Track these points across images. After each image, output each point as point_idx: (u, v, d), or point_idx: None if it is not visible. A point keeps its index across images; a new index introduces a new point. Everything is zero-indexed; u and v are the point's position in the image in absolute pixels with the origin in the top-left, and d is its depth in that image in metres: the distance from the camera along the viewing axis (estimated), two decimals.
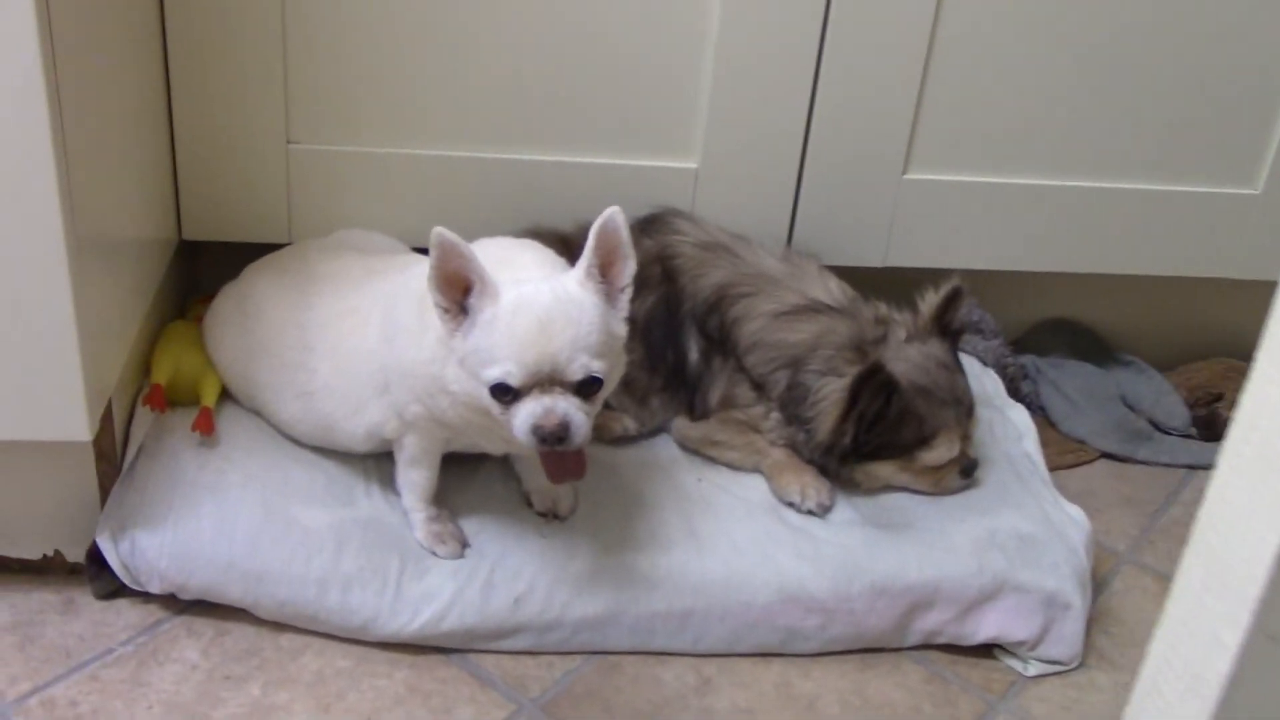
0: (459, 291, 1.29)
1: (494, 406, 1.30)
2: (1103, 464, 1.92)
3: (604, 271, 1.32)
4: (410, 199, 1.68)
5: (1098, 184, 1.81)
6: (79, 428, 1.29)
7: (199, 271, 1.81)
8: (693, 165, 1.73)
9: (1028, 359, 2.01)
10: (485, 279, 1.27)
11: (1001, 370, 1.87)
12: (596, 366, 1.29)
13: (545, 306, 1.28)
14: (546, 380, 1.27)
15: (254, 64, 1.59)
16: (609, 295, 1.33)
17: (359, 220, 1.67)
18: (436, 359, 1.34)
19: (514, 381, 1.27)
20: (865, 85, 1.69)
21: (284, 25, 1.57)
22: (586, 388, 1.29)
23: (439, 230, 1.26)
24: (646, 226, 1.68)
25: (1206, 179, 1.84)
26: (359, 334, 1.44)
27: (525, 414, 1.28)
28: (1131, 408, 1.97)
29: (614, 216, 1.29)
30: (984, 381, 1.82)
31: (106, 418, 1.42)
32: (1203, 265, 1.90)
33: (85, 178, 1.27)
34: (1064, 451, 1.90)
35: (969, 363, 1.82)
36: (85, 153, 1.27)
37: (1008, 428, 1.74)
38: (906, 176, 1.77)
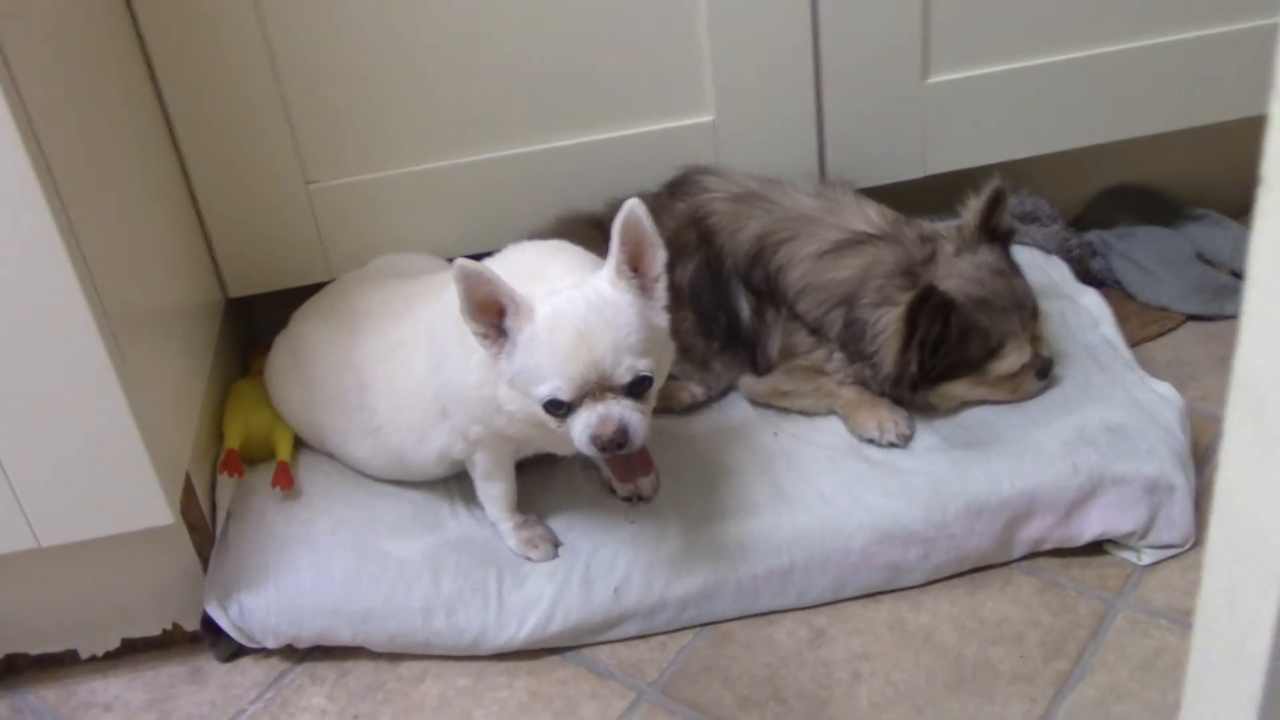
0: (493, 315, 1.28)
1: (550, 421, 1.30)
2: (1190, 327, 1.86)
3: (634, 265, 1.30)
4: (438, 212, 1.68)
5: (1126, 45, 1.73)
6: (160, 513, 1.33)
7: (254, 323, 1.83)
8: (709, 118, 1.69)
9: (1093, 235, 1.95)
10: (516, 299, 1.27)
11: (1067, 254, 1.82)
12: (643, 365, 1.28)
13: (581, 316, 1.26)
14: (596, 389, 1.27)
15: (255, 111, 1.59)
16: (643, 288, 1.31)
17: (392, 244, 1.68)
18: (486, 382, 1.34)
19: (564, 396, 1.27)
20: None
21: (275, 67, 1.57)
22: (637, 388, 1.29)
23: (459, 263, 1.25)
24: (675, 189, 1.66)
25: (1229, 18, 1.74)
26: (409, 366, 1.45)
27: (582, 425, 1.28)
28: (1210, 262, 1.90)
29: (634, 209, 1.27)
30: (1049, 271, 1.77)
31: (189, 491, 1.46)
32: (1242, 105, 1.80)
33: (105, 259, 1.29)
34: (1147, 323, 1.84)
35: (1031, 255, 1.77)
36: (100, 235, 1.29)
37: (1081, 316, 1.69)
38: (929, 80, 1.71)
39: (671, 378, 1.64)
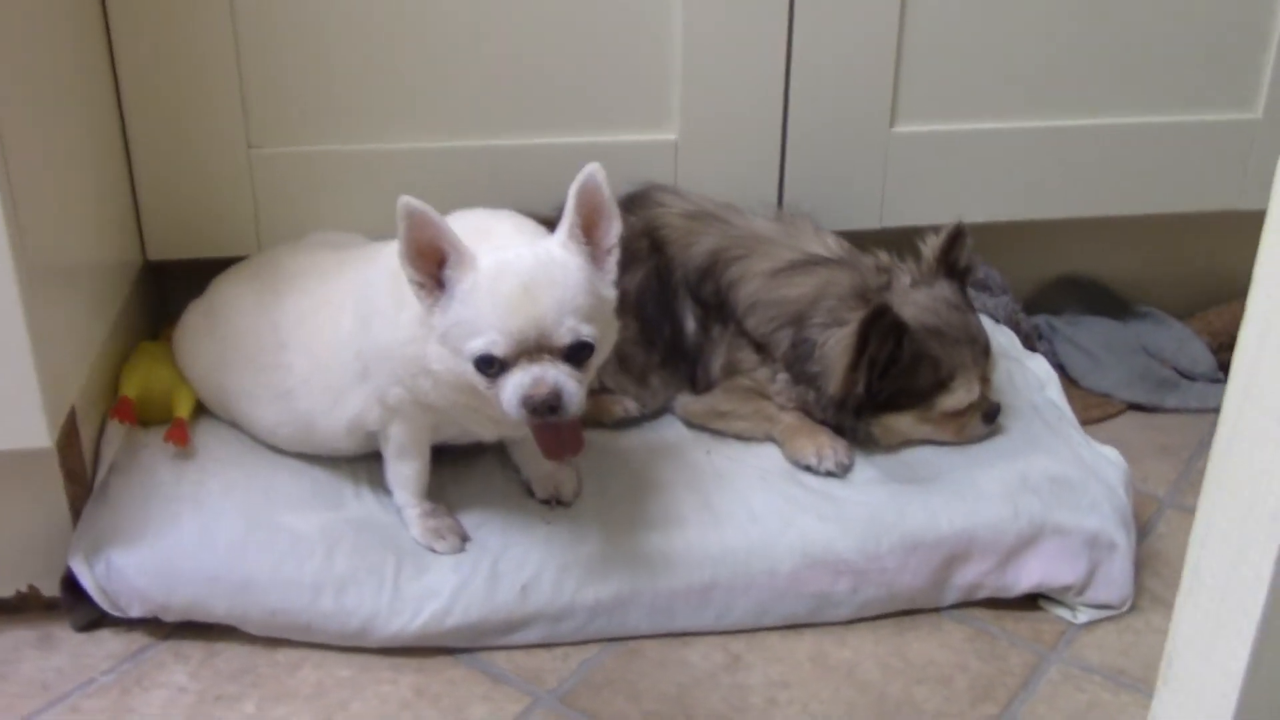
0: (433, 264, 1.21)
1: (480, 381, 1.22)
2: (1131, 415, 1.83)
3: (588, 233, 1.25)
4: (382, 195, 1.57)
5: (1092, 121, 1.75)
6: (37, 433, 1.20)
7: (169, 299, 1.73)
8: (672, 137, 1.66)
9: (1041, 319, 1.93)
10: (460, 248, 1.20)
11: (1015, 327, 1.79)
12: (586, 331, 1.20)
13: (528, 270, 1.20)
14: (534, 348, 1.19)
15: (208, 67, 1.53)
16: (595, 258, 1.25)
17: (330, 223, 1.60)
18: (415, 338, 1.26)
19: (499, 351, 1.19)
20: (842, 36, 1.63)
21: (235, 26, 1.52)
22: (577, 354, 1.21)
23: (405, 200, 1.19)
24: (630, 203, 1.61)
25: (1204, 107, 1.77)
26: (334, 324, 1.36)
27: (513, 385, 1.20)
28: (1154, 358, 1.89)
29: (594, 174, 1.22)
30: (997, 336, 1.73)
31: (73, 435, 1.34)
32: (1207, 198, 1.82)
33: (34, 204, 1.21)
34: (1089, 406, 1.80)
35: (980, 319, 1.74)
36: (32, 180, 1.21)
37: (1028, 377, 1.65)
38: (895, 129, 1.70)
39: (605, 391, 1.57)
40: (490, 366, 1.20)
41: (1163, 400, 1.82)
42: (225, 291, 1.52)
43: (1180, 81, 1.75)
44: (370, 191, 1.60)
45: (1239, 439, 0.64)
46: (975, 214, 1.76)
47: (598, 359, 1.26)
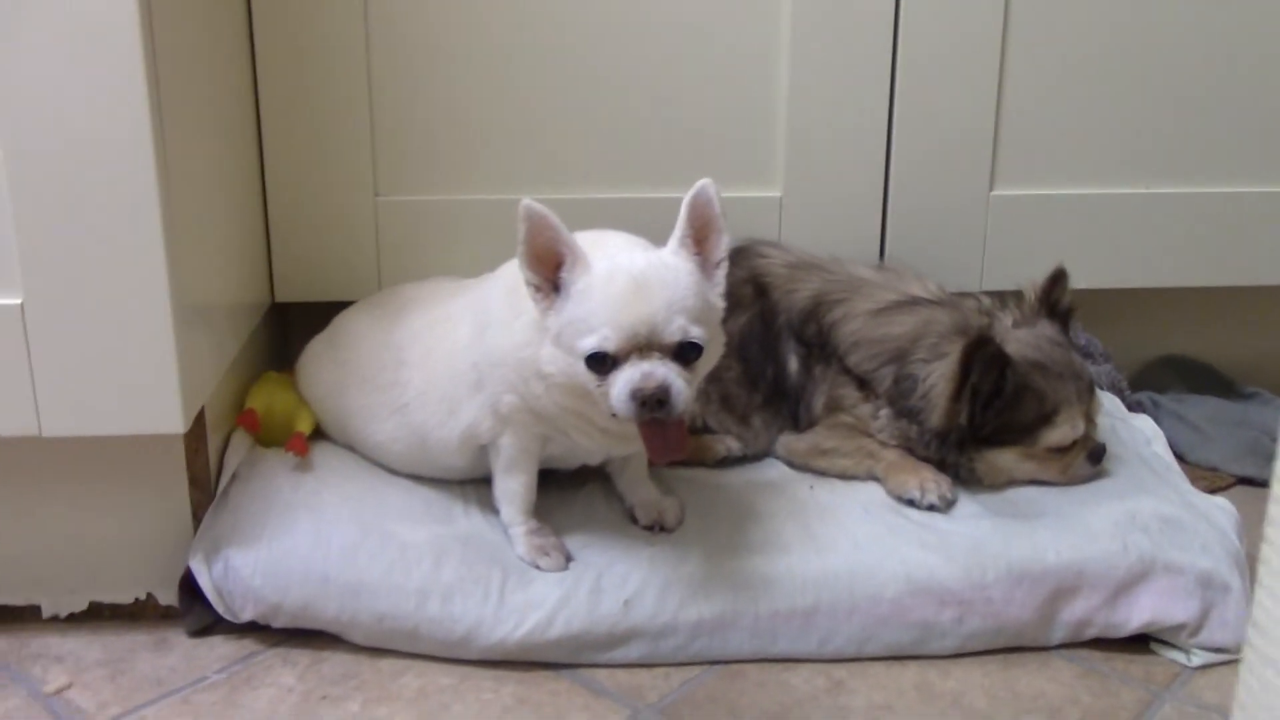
0: (550, 268, 1.27)
1: (591, 380, 1.26)
2: (1240, 489, 1.79)
3: (698, 245, 1.30)
4: (500, 243, 1.67)
5: (1193, 190, 1.77)
6: (172, 419, 1.26)
7: (293, 337, 1.80)
8: (776, 194, 1.72)
9: (1144, 395, 1.92)
10: (576, 250, 1.26)
11: (1119, 394, 1.79)
12: (695, 332, 1.25)
13: (640, 270, 1.25)
14: (644, 344, 1.24)
15: (342, 119, 1.64)
16: (704, 269, 1.30)
17: (449, 268, 1.67)
18: (530, 342, 1.31)
19: (611, 347, 1.23)
20: (942, 98, 1.69)
21: (369, 79, 1.63)
22: (685, 354, 1.25)
23: (527, 202, 1.26)
24: (735, 256, 1.65)
25: None
26: (451, 338, 1.42)
27: (624, 380, 1.23)
28: (1263, 434, 1.86)
29: (706, 188, 1.28)
30: (1101, 399, 1.73)
31: (201, 439, 1.40)
32: None
33: (183, 249, 1.30)
34: (1197, 479, 1.77)
35: None
36: (184, 226, 1.31)
37: (1134, 434, 1.64)
38: (995, 193, 1.74)
39: (708, 430, 1.60)
40: (602, 364, 1.24)
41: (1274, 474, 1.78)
42: (347, 320, 1.60)
43: None
44: (490, 238, 1.66)
45: None
46: (1076, 281, 1.77)
47: (706, 362, 1.29)
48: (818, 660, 1.36)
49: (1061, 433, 1.45)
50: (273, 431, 1.53)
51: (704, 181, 1.28)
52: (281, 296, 1.71)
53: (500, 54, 1.65)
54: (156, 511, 1.40)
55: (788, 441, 1.58)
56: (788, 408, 1.58)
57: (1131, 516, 1.42)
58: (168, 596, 1.42)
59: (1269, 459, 1.81)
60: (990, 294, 1.66)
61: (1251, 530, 1.62)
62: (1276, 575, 0.52)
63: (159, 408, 1.27)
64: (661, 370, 1.23)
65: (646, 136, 1.69)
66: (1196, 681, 1.35)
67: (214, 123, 1.49)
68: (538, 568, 1.38)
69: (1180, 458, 1.82)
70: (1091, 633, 1.38)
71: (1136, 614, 1.37)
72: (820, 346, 1.55)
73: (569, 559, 1.40)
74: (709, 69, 1.67)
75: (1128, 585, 1.37)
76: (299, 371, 1.61)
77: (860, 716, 1.28)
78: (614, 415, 1.26)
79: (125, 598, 1.42)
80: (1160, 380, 1.97)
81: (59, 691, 1.30)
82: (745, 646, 1.35)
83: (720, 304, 1.31)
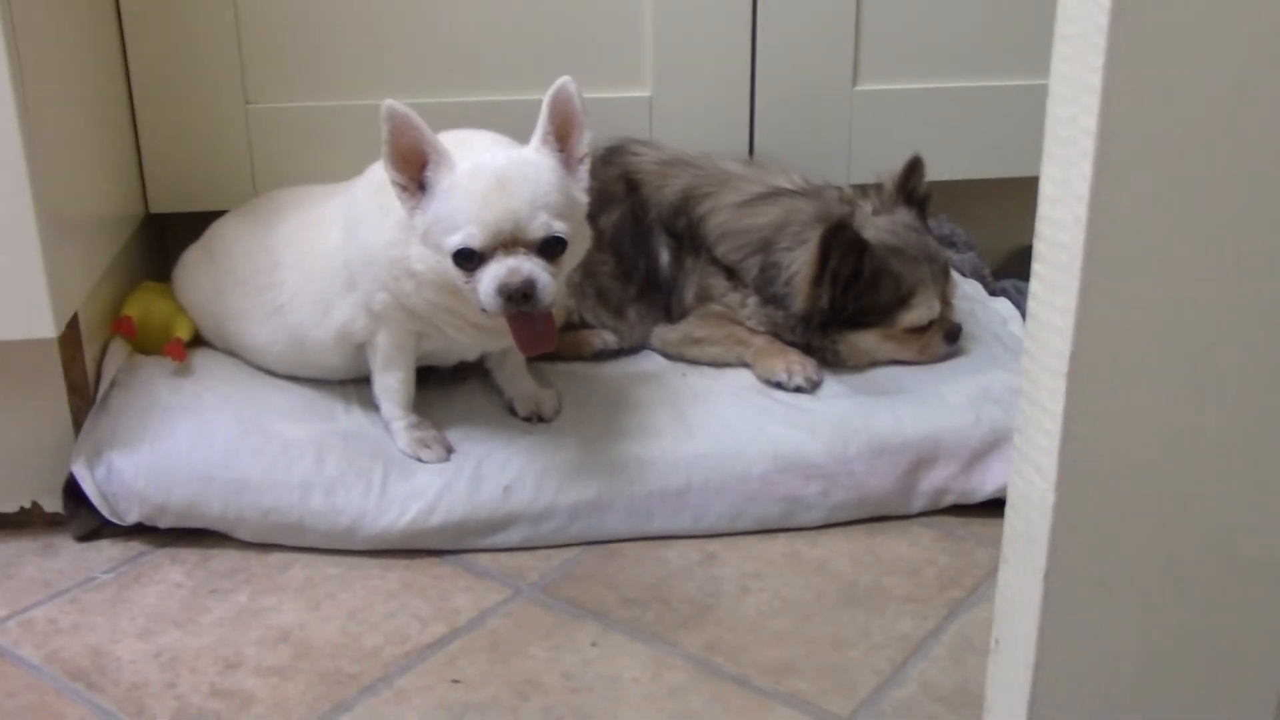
0: (415, 168, 1.29)
1: (459, 277, 1.29)
2: None
3: (561, 142, 1.33)
4: (369, 149, 1.68)
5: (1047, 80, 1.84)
6: (44, 323, 1.27)
7: (170, 249, 1.80)
8: (645, 94, 1.76)
9: (1008, 282, 2.00)
10: (440, 150, 1.28)
11: (981, 279, 1.86)
12: (558, 226, 1.28)
13: (502, 168, 1.28)
14: (509, 240, 1.27)
15: (208, 26, 1.63)
16: (568, 164, 1.33)
17: (321, 176, 1.66)
18: (398, 241, 1.34)
19: (476, 244, 1.26)
20: None
21: None
22: (550, 248, 1.29)
23: (389, 103, 1.27)
24: (608, 155, 1.69)
25: None
26: (323, 239, 1.44)
27: (490, 276, 1.27)
28: None
29: (566, 85, 1.30)
30: (962, 286, 1.81)
31: (76, 346, 1.40)
32: None
33: (49, 160, 1.30)
34: None
35: None
36: (49, 138, 1.30)
37: (991, 315, 1.72)
38: (858, 88, 1.79)
39: (584, 325, 1.64)
40: (469, 260, 1.28)
41: None
42: (222, 226, 1.60)
43: None
44: (360, 144, 1.67)
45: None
46: (939, 172, 1.84)
47: (571, 257, 1.33)
48: (692, 536, 1.43)
49: (918, 314, 1.52)
50: (151, 339, 1.54)
51: (564, 79, 1.31)
52: (156, 207, 1.71)
53: None
54: (37, 420, 1.41)
55: (661, 332, 1.64)
56: (661, 300, 1.63)
57: (985, 390, 1.50)
58: (53, 503, 1.43)
59: None
60: (855, 187, 1.72)
61: None
62: (1030, 380, 0.58)
63: (29, 313, 1.27)
64: (527, 265, 1.27)
65: (514, 39, 1.71)
66: None
67: (72, 30, 1.48)
68: (419, 460, 1.42)
69: None
70: (950, 499, 1.46)
71: (990, 480, 1.45)
72: (690, 239, 1.60)
73: (450, 450, 1.44)
74: None
75: (981, 453, 1.45)
76: (176, 279, 1.62)
77: (731, 584, 1.35)
78: (484, 311, 1.30)
79: (10, 506, 1.43)
80: (1023, 268, 2.04)
81: None
82: (622, 526, 1.41)
83: (584, 199, 1.34)
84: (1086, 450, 0.53)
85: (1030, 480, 0.56)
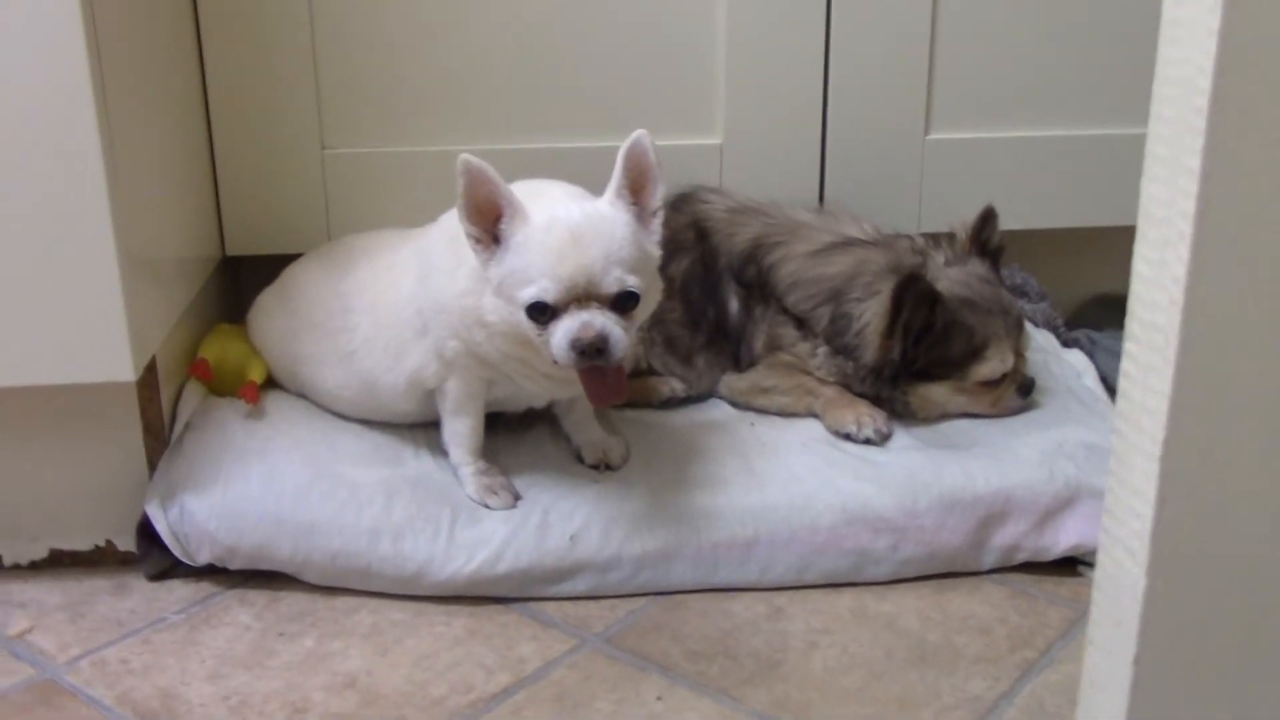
0: (490, 220, 1.30)
1: (532, 329, 1.29)
2: None
3: (634, 195, 1.33)
4: (442, 194, 1.70)
5: (1128, 131, 1.82)
6: (122, 367, 1.30)
7: (245, 291, 1.83)
8: (716, 141, 1.76)
9: (1081, 333, 1.97)
10: (515, 203, 1.29)
11: (1054, 331, 1.84)
12: (631, 281, 1.28)
13: (577, 222, 1.29)
14: (583, 295, 1.27)
15: (287, 72, 1.66)
16: (641, 218, 1.33)
17: (396, 220, 1.69)
18: (471, 291, 1.35)
19: (550, 298, 1.27)
20: (876, 45, 1.73)
21: (313, 32, 1.65)
22: (623, 303, 1.29)
23: (465, 157, 1.29)
24: (677, 202, 1.70)
25: None
26: (396, 286, 1.46)
27: (563, 330, 1.27)
28: None
29: (641, 139, 1.31)
30: (1035, 336, 1.78)
31: (154, 388, 1.43)
32: None
33: (130, 198, 1.33)
34: None
35: None
36: (131, 178, 1.33)
37: (1065, 368, 1.70)
38: (930, 137, 1.79)
39: (652, 372, 1.64)
40: (542, 314, 1.28)
41: None
42: (296, 271, 1.63)
43: None
44: (436, 189, 1.69)
45: None
46: (1012, 221, 1.82)
47: (643, 310, 1.33)
48: (758, 589, 1.42)
49: (991, 366, 1.51)
50: (225, 381, 1.57)
51: (639, 132, 1.31)
52: (232, 250, 1.74)
53: (442, 3, 1.68)
54: (113, 460, 1.43)
55: (729, 381, 1.63)
56: (729, 348, 1.63)
57: (1059, 445, 1.48)
58: (126, 543, 1.45)
59: None
60: (927, 236, 1.71)
61: None
62: (1121, 462, 0.57)
63: (109, 357, 1.30)
64: (600, 320, 1.27)
65: (587, 86, 1.73)
66: None
67: (157, 77, 1.51)
68: (487, 506, 1.42)
69: (1116, 392, 1.89)
70: (1021, 557, 1.44)
71: (1063, 538, 1.43)
72: (760, 288, 1.59)
73: (517, 497, 1.44)
74: (648, 17, 1.70)
75: (1054, 511, 1.42)
76: (250, 322, 1.65)
77: (799, 639, 1.33)
78: (555, 363, 1.30)
79: (85, 545, 1.46)
80: (1097, 317, 2.02)
81: (21, 635, 1.33)
82: (688, 577, 1.40)
83: (657, 252, 1.34)
84: (1179, 535, 0.52)
85: (1120, 563, 0.55)
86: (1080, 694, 0.64)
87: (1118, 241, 1.95)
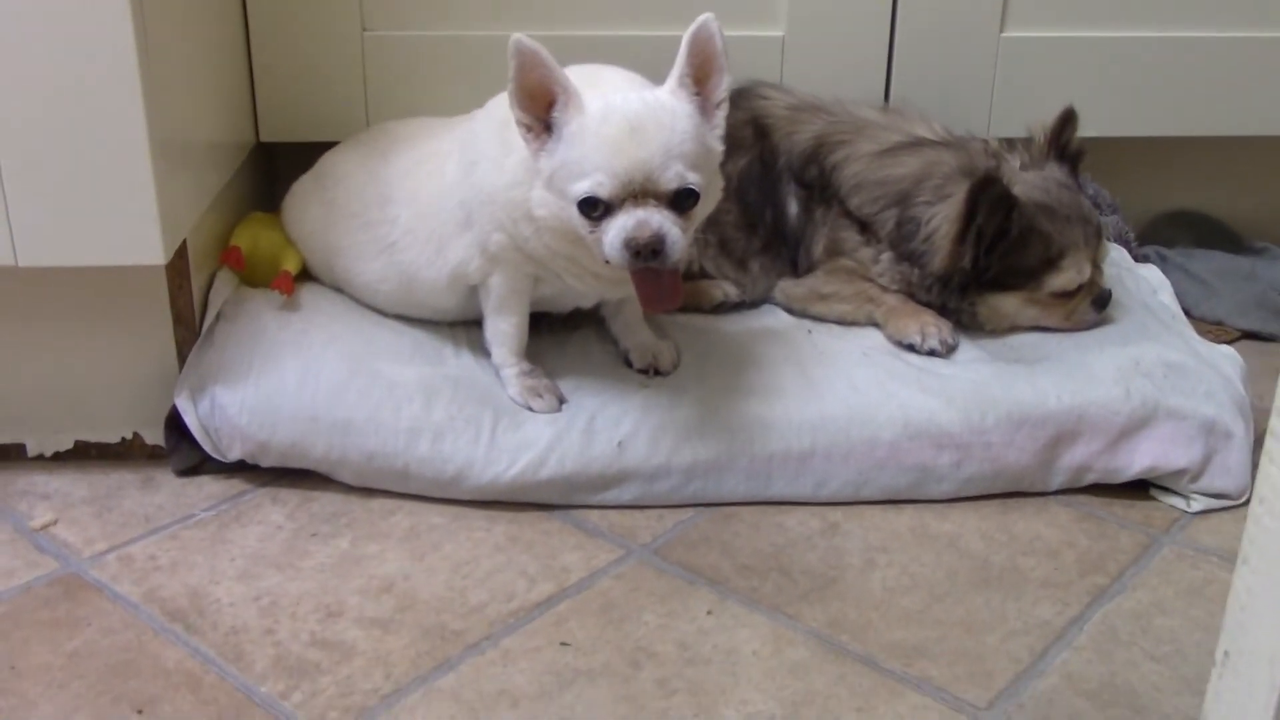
0: (542, 107, 1.22)
1: (583, 225, 1.21)
2: (1246, 343, 1.76)
3: (698, 84, 1.24)
4: (488, 82, 1.61)
5: (1209, 34, 1.71)
6: (153, 250, 1.23)
7: (280, 178, 1.75)
8: (779, 33, 1.66)
9: (1151, 249, 1.88)
10: (570, 89, 1.20)
11: (1125, 244, 1.75)
12: (692, 178, 1.20)
13: (636, 112, 1.20)
14: (639, 191, 1.19)
15: None
16: (703, 109, 1.24)
17: (438, 107, 1.60)
18: (520, 182, 1.26)
19: (604, 193, 1.19)
20: None
21: None
22: (681, 201, 1.20)
23: (517, 37, 1.20)
24: (735, 98, 1.58)
25: None
26: (439, 174, 1.38)
27: (617, 228, 1.19)
28: (1271, 289, 1.82)
29: (708, 23, 1.22)
30: (1108, 247, 1.69)
31: (184, 275, 1.36)
32: None
33: (162, 79, 1.25)
34: (1203, 332, 1.74)
35: None
36: (163, 58, 1.25)
37: (1140, 283, 1.61)
38: (1005, 34, 1.68)
39: (705, 275, 1.56)
40: (594, 209, 1.20)
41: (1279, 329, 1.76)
42: (334, 158, 1.55)
43: None
44: (480, 76, 1.61)
45: None
46: (1087, 128, 1.71)
47: (702, 209, 1.25)
48: (813, 503, 1.35)
49: (1067, 277, 1.42)
50: (258, 270, 1.50)
51: (705, 16, 1.21)
52: (267, 136, 1.66)
53: None
54: (141, 350, 1.37)
55: (786, 287, 1.55)
56: (787, 252, 1.54)
57: (1135, 362, 1.40)
58: (154, 436, 1.40)
59: (1275, 313, 1.78)
60: (1001, 139, 1.61)
61: (1256, 382, 1.60)
62: None
63: (138, 239, 1.23)
64: (657, 219, 1.19)
65: None
66: (1195, 526, 1.34)
67: None
68: (530, 409, 1.36)
69: (1186, 312, 1.78)
70: (1091, 478, 1.37)
71: (1138, 459, 1.35)
72: (821, 189, 1.51)
73: (562, 401, 1.37)
74: None
75: (1130, 431, 1.34)
76: (285, 210, 1.57)
77: (856, 556, 1.27)
78: (607, 262, 1.22)
79: (111, 437, 1.40)
80: (1168, 234, 1.92)
81: (45, 527, 1.28)
82: (740, 489, 1.34)
83: (719, 148, 1.26)
84: None
85: None
86: (1225, 619, 0.57)
87: (1193, 153, 1.87)
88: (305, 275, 1.53)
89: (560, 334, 1.49)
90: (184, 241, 1.34)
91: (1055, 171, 1.45)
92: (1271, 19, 1.72)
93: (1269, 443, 0.53)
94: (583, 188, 1.19)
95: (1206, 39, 1.72)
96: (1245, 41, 1.72)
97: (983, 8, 1.66)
